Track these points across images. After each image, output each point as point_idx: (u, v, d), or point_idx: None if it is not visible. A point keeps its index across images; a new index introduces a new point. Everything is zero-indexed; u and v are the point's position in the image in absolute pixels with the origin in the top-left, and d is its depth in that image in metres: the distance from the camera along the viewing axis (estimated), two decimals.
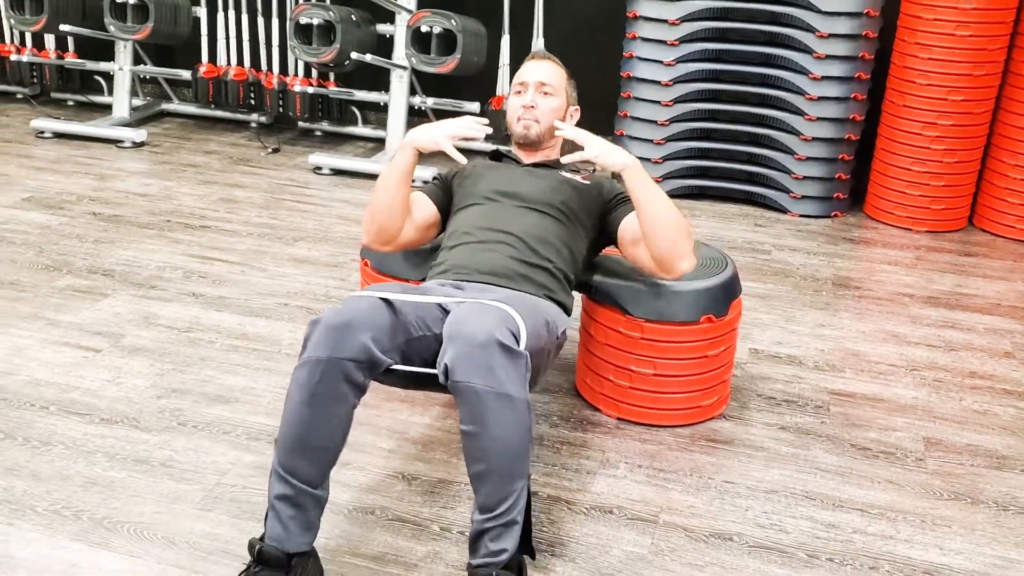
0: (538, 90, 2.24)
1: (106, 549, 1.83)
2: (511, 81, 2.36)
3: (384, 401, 2.40)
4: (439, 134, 2.07)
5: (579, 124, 2.27)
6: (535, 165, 2.28)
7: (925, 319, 3.07)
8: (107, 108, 4.89)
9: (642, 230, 2.05)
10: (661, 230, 2.03)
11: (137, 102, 4.90)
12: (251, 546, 1.69)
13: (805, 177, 3.93)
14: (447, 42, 4.06)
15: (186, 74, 4.66)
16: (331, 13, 4.05)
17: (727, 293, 2.33)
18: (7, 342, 2.60)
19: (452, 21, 3.96)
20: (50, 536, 1.85)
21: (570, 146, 2.18)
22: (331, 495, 1.98)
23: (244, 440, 2.20)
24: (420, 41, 4.12)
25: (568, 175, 2.24)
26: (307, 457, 1.70)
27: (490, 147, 3.08)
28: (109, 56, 4.79)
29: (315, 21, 4.06)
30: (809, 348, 2.83)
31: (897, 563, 1.92)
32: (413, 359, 1.84)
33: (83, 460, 2.10)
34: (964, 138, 3.77)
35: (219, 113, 4.91)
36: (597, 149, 2.02)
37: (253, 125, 4.88)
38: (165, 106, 4.99)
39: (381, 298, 1.80)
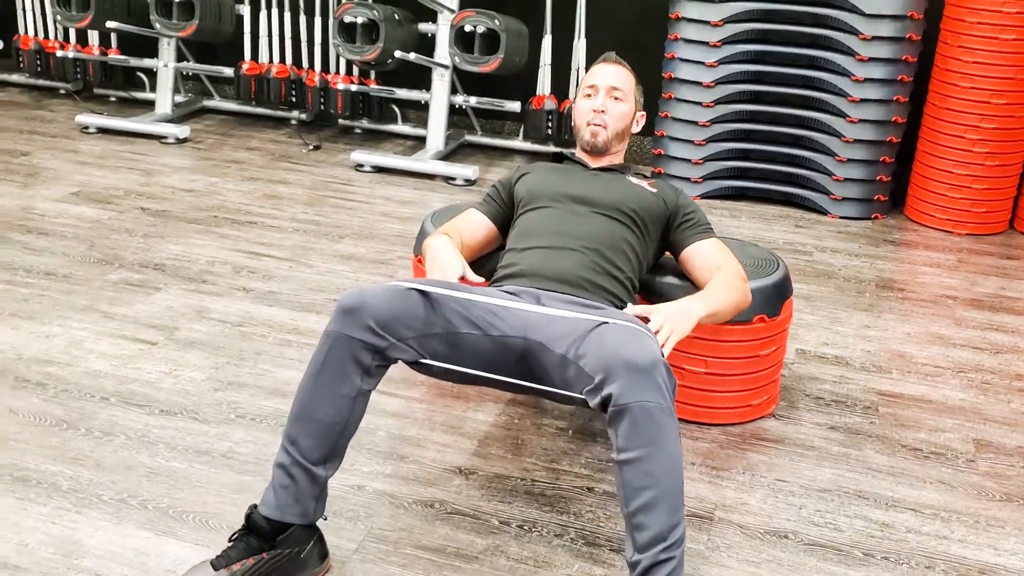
0: (609, 94, 2.22)
1: (173, 538, 1.86)
2: (577, 83, 2.37)
3: (437, 397, 2.43)
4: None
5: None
6: (601, 169, 2.27)
7: (970, 321, 3.07)
8: (149, 104, 4.96)
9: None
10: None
11: (179, 99, 4.96)
12: (247, 510, 1.75)
13: (846, 179, 3.93)
14: (490, 42, 4.09)
15: (228, 71, 4.72)
16: (375, 12, 4.09)
17: (779, 293, 2.34)
18: (64, 334, 2.65)
19: (495, 21, 3.99)
20: (117, 524, 1.90)
21: (649, 155, 2.19)
22: (392, 489, 2.04)
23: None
24: (463, 40, 4.15)
25: (636, 180, 2.24)
26: (307, 429, 1.73)
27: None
28: (152, 53, 4.85)
29: (359, 20, 4.10)
30: (855, 349, 2.84)
31: (952, 563, 1.93)
32: (445, 354, 1.83)
33: (146, 450, 2.14)
34: (1006, 141, 3.76)
35: (260, 110, 4.96)
36: (663, 319, 1.89)
37: (293, 122, 4.94)
38: (206, 103, 5.05)
39: (413, 288, 1.81)
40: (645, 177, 2.30)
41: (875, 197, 3.98)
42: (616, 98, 2.24)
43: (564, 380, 1.78)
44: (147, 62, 4.81)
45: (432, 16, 4.39)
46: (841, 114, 3.85)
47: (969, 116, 3.74)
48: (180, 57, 4.85)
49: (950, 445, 2.36)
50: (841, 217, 3.99)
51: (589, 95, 2.26)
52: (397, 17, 4.20)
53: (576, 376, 1.73)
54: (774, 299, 2.32)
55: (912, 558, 1.94)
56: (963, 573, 1.90)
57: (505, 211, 2.28)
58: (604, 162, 2.29)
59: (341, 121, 4.86)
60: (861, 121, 3.83)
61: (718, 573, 1.86)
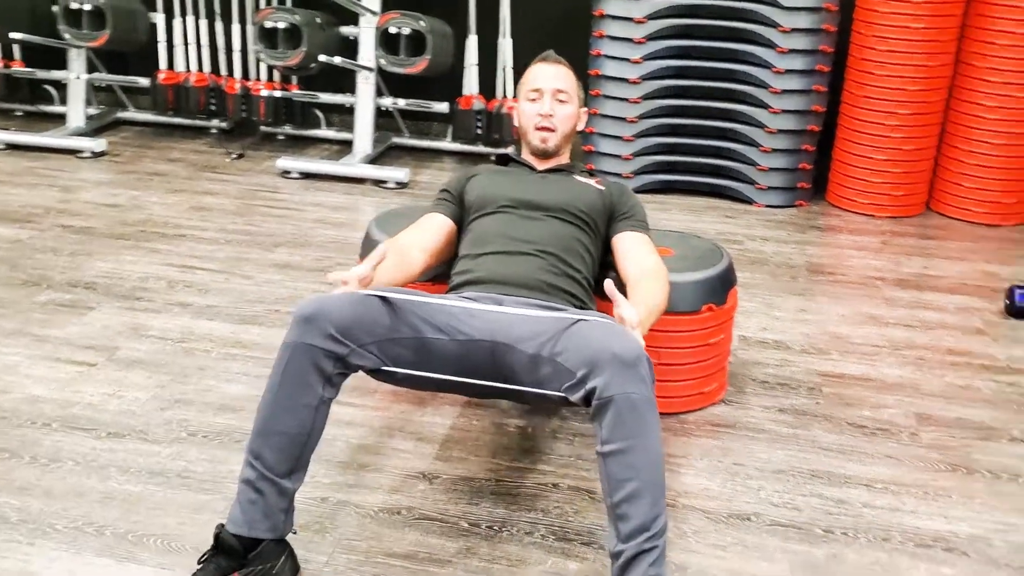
0: (554, 97, 2.22)
1: (135, 563, 1.81)
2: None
3: (393, 403, 2.41)
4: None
5: None
6: (549, 171, 2.28)
7: (899, 301, 3.19)
8: (60, 118, 4.78)
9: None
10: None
11: (91, 111, 4.79)
12: (215, 530, 1.71)
13: (770, 169, 4.03)
14: (416, 43, 4.07)
15: (144, 81, 4.58)
16: (296, 16, 4.02)
17: (725, 282, 2.39)
18: None
19: (421, 22, 3.97)
20: (75, 554, 1.83)
21: (579, 152, 2.18)
22: (357, 499, 2.02)
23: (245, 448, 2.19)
24: (388, 42, 4.12)
25: (583, 179, 2.26)
26: (272, 442, 1.70)
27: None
28: (58, 64, 4.67)
29: (280, 25, 4.03)
30: (794, 333, 2.92)
31: (907, 533, 2.00)
32: (411, 359, 1.81)
33: (96, 475, 2.07)
34: (921, 126, 3.91)
35: (178, 120, 4.83)
36: (636, 322, 1.78)
37: (213, 131, 4.82)
38: (121, 114, 4.89)
39: (372, 295, 1.79)
40: (592, 175, 2.32)
41: (798, 185, 4.10)
42: (561, 100, 2.25)
43: (536, 379, 1.79)
44: (56, 74, 4.63)
45: (354, 19, 4.34)
46: (764, 105, 3.95)
47: (885, 103, 3.88)
48: (91, 68, 4.69)
49: (893, 421, 2.44)
50: (767, 206, 4.09)
51: (534, 99, 2.25)
52: (318, 21, 4.15)
53: (552, 374, 1.74)
54: (720, 289, 2.37)
55: (869, 531, 2.00)
56: (918, 542, 1.97)
57: (461, 212, 2.27)
58: (551, 163, 2.30)
59: (263, 128, 4.77)
60: (783, 112, 3.93)
61: (687, 559, 1.89)
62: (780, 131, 3.96)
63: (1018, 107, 3.81)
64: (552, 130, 2.24)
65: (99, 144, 4.34)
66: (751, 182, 4.08)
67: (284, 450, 1.71)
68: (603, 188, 2.24)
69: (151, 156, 4.44)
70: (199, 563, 1.70)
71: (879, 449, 2.31)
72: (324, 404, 1.75)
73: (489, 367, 1.84)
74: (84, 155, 4.37)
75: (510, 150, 4.55)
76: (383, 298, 1.81)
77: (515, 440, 2.28)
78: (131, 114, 4.89)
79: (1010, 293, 3.07)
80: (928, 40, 3.77)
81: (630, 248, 2.16)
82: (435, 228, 2.23)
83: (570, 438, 2.30)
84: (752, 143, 4.02)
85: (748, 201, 4.11)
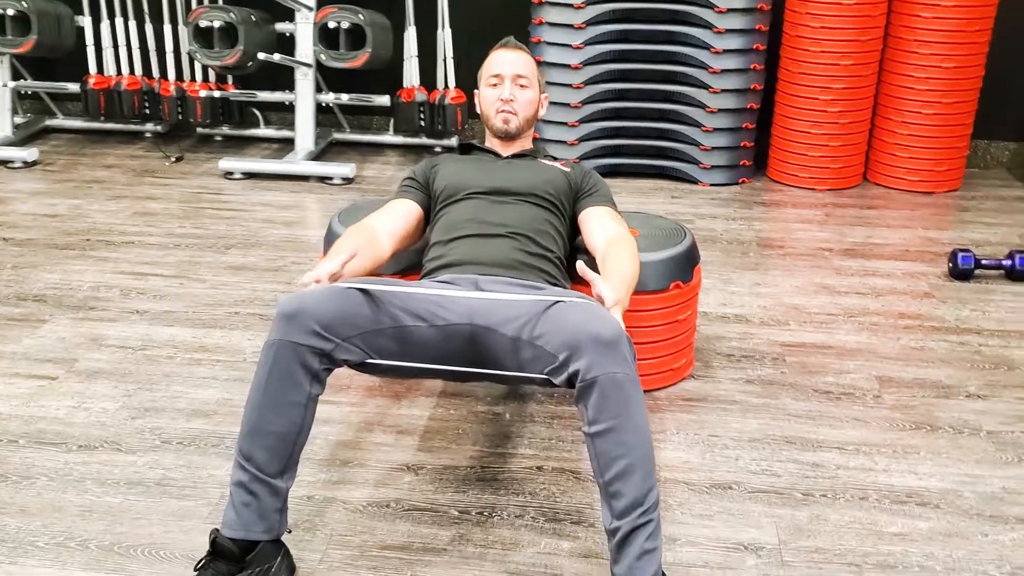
0: (514, 82, 2.24)
1: (125, 574, 1.77)
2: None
3: (368, 399, 2.40)
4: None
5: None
6: (514, 156, 2.29)
7: (848, 270, 3.28)
8: None
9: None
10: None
11: (17, 119, 4.63)
12: (211, 535, 1.69)
13: (713, 148, 4.10)
14: (355, 37, 4.03)
15: (73, 87, 4.44)
16: (231, 15, 3.95)
17: (690, 260, 2.43)
18: None
19: (360, 16, 3.93)
20: (61, 570, 1.78)
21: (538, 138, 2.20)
22: (344, 495, 2.01)
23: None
24: (327, 37, 4.07)
25: (548, 162, 2.27)
26: (263, 443, 1.69)
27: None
28: None
29: (216, 24, 3.95)
30: (752, 306, 2.98)
31: (882, 491, 2.07)
32: (393, 350, 1.81)
33: (72, 489, 2.02)
34: (855, 99, 4.02)
35: (110, 125, 4.69)
36: (614, 301, 1.80)
37: (148, 135, 4.71)
38: (49, 122, 4.74)
39: (352, 288, 1.79)
40: (556, 159, 2.34)
41: (741, 163, 4.18)
42: (522, 85, 2.27)
43: (517, 362, 1.80)
44: None
45: (289, 15, 4.28)
46: (704, 86, 4.01)
47: (820, 78, 3.98)
48: (15, 75, 4.54)
49: (856, 384, 2.52)
50: (712, 184, 4.16)
51: (495, 84, 2.27)
52: (254, 18, 4.08)
53: (533, 357, 1.75)
54: (686, 266, 2.41)
55: (846, 492, 2.07)
56: (893, 499, 2.04)
57: (428, 198, 2.26)
58: (515, 148, 2.31)
59: (200, 130, 4.67)
60: (723, 91, 4.00)
61: (676, 530, 1.93)
62: (721, 110, 4.03)
63: (945, 77, 3.94)
64: (514, 114, 2.26)
65: (31, 153, 4.20)
66: (695, 162, 4.14)
67: (275, 450, 1.70)
68: (568, 169, 2.27)
69: (86, 163, 4.32)
70: (196, 570, 1.67)
71: (846, 413, 2.38)
72: (312, 401, 1.73)
73: (470, 351, 1.84)
74: (15, 165, 4.22)
75: (454, 141, 4.54)
76: (363, 290, 1.80)
77: (494, 427, 2.29)
78: (60, 121, 4.74)
79: (953, 256, 3.19)
80: (858, 16, 3.88)
81: (596, 220, 2.18)
82: (402, 213, 2.21)
83: (548, 421, 2.32)
84: (694, 123, 4.08)
85: (693, 181, 4.18)
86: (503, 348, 1.82)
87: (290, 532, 1.79)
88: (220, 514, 1.93)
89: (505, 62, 2.27)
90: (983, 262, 3.18)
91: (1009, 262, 3.17)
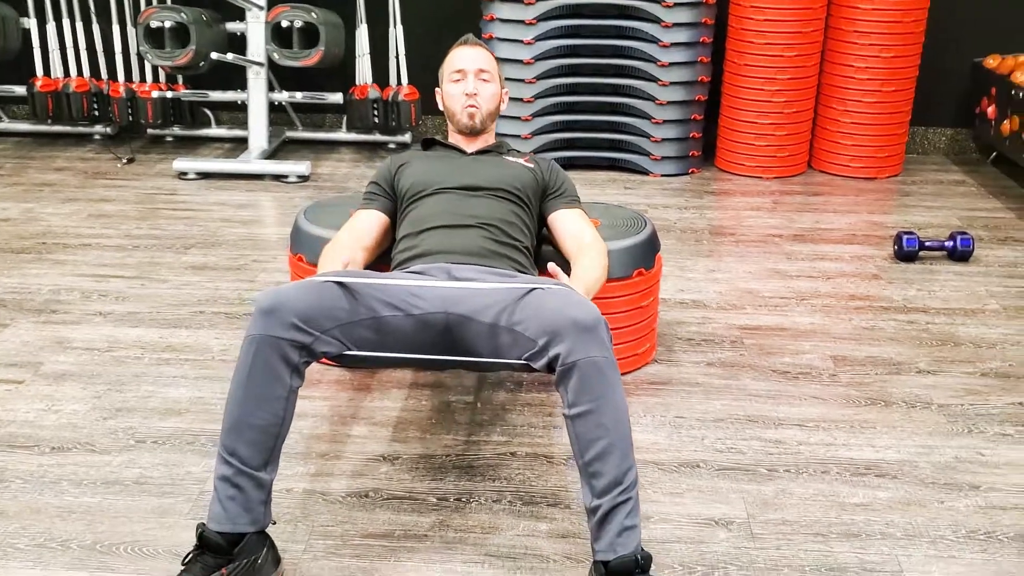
0: (477, 77, 2.29)
1: (110, 572, 1.78)
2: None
3: (340, 392, 2.43)
4: None
5: None
6: (479, 152, 2.33)
7: (798, 254, 3.39)
8: None
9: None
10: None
11: None
12: (197, 530, 1.71)
13: (663, 139, 4.19)
14: (308, 36, 4.04)
15: (19, 90, 4.37)
16: (183, 14, 3.93)
17: (651, 247, 2.51)
18: None
19: (312, 14, 3.94)
20: (43, 570, 1.79)
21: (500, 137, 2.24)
22: (322, 486, 2.04)
23: (211, 447, 2.18)
24: (280, 36, 4.07)
25: (512, 159, 2.32)
26: (246, 437, 1.72)
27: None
28: None
29: (167, 24, 3.93)
30: (708, 292, 3.07)
31: (842, 464, 2.16)
32: (371, 340, 1.85)
33: (48, 491, 2.02)
34: (799, 90, 4.14)
35: (57, 128, 4.63)
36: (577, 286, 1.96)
37: (97, 137, 4.65)
38: None
39: (331, 281, 1.83)
40: (520, 154, 2.39)
41: (690, 153, 4.27)
42: (484, 79, 2.31)
43: (494, 348, 1.85)
44: None
45: (239, 14, 4.26)
46: (653, 79, 4.10)
47: (765, 69, 4.09)
48: None
49: (812, 364, 2.62)
50: (662, 175, 4.25)
51: (458, 80, 2.31)
52: (205, 18, 4.06)
53: (512, 343, 1.80)
54: (648, 253, 2.48)
55: (808, 467, 2.15)
56: (853, 471, 2.14)
57: (392, 203, 2.30)
58: (479, 144, 2.36)
59: (150, 131, 4.63)
60: (671, 84, 4.09)
61: (648, 508, 2.00)
62: (670, 103, 4.12)
63: (884, 67, 4.08)
64: (477, 108, 2.31)
65: None
66: (646, 154, 4.23)
67: (258, 443, 1.72)
68: (532, 166, 2.32)
69: (35, 167, 4.26)
70: (183, 564, 1.69)
71: (804, 391, 2.48)
72: (293, 393, 1.76)
73: (446, 339, 1.88)
74: None
75: (407, 137, 4.57)
76: (339, 283, 1.83)
77: (466, 416, 2.34)
78: (5, 125, 4.66)
79: (898, 239, 3.31)
80: (800, 8, 3.99)
81: (567, 225, 2.26)
82: (371, 226, 2.26)
83: (520, 408, 2.37)
84: (645, 116, 4.17)
85: (645, 172, 4.26)
86: (479, 335, 1.86)
87: (274, 524, 1.82)
88: (200, 510, 1.95)
89: (467, 58, 2.31)
90: (927, 244, 3.31)
91: (951, 243, 3.30)
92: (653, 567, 1.71)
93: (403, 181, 2.27)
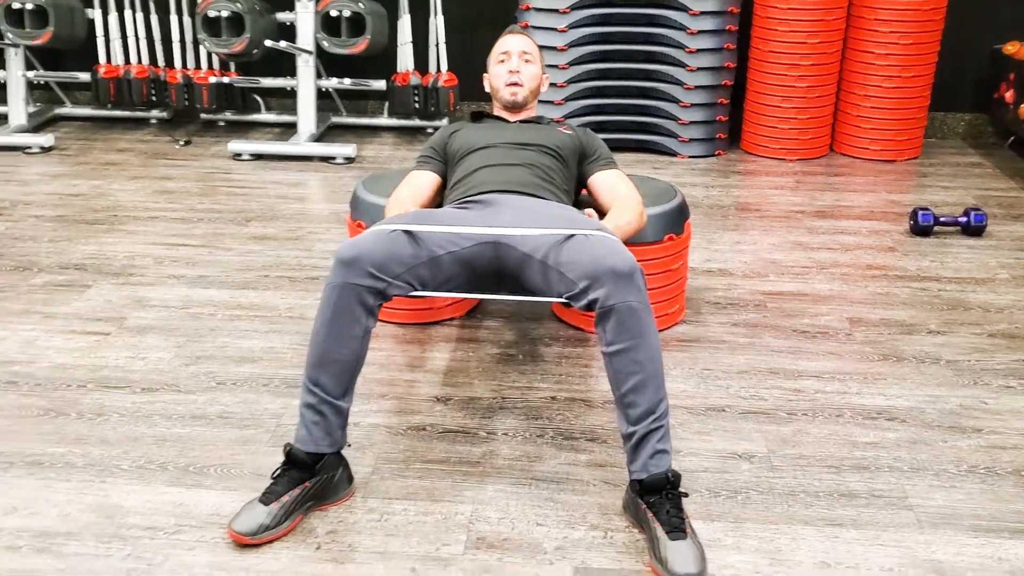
0: (521, 58, 2.54)
1: (203, 488, 2.03)
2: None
3: (395, 344, 2.67)
4: None
5: None
6: (522, 122, 2.57)
7: (819, 229, 3.59)
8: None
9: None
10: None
11: (29, 109, 4.83)
12: (284, 449, 1.96)
13: (691, 122, 4.40)
14: (355, 25, 4.29)
15: (83, 76, 4.65)
16: (239, 5, 4.19)
17: (681, 215, 2.72)
18: (13, 336, 2.69)
19: (360, 4, 4.19)
20: (146, 485, 2.04)
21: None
22: (385, 421, 2.28)
23: (285, 388, 2.43)
24: (328, 25, 4.32)
25: (552, 127, 2.56)
26: (328, 370, 1.96)
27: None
28: None
29: (223, 13, 4.19)
30: (734, 261, 3.28)
31: (855, 410, 2.37)
32: (432, 278, 2.08)
33: (143, 423, 2.27)
34: (822, 75, 4.33)
35: (117, 113, 4.92)
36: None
37: (153, 121, 4.93)
38: (59, 110, 4.95)
39: (399, 229, 2.06)
40: (559, 123, 2.62)
41: (717, 136, 4.48)
42: (527, 60, 2.56)
43: (544, 283, 2.08)
44: None
45: (290, 5, 4.52)
46: (681, 64, 4.30)
47: (789, 56, 4.28)
48: (28, 66, 4.74)
49: (830, 325, 2.82)
50: (690, 156, 4.46)
51: (503, 60, 2.56)
52: (258, 8, 4.32)
53: (557, 280, 2.03)
54: (678, 220, 2.70)
55: (824, 411, 2.37)
56: (865, 416, 2.35)
57: (444, 165, 2.54)
58: (522, 116, 2.60)
59: (204, 115, 4.90)
60: (699, 69, 4.30)
61: (679, 444, 2.22)
62: (697, 87, 4.33)
63: (904, 53, 4.27)
64: (520, 85, 2.55)
65: (47, 139, 4.42)
66: (674, 136, 4.44)
67: (339, 376, 1.96)
68: (571, 132, 2.56)
69: (99, 148, 4.54)
70: (272, 477, 1.94)
71: (821, 348, 2.69)
72: (367, 333, 2.00)
73: (496, 268, 2.13)
74: (32, 151, 4.44)
75: (445, 121, 4.80)
76: (407, 232, 2.07)
77: (510, 366, 2.57)
78: (69, 109, 4.96)
79: (914, 214, 3.50)
80: None
81: (605, 185, 2.49)
82: (426, 184, 2.51)
83: (558, 360, 2.60)
84: (673, 100, 4.38)
85: (672, 153, 4.47)
86: (532, 270, 2.09)
87: (349, 446, 2.06)
88: (278, 440, 2.20)
89: (512, 42, 2.57)
90: (941, 219, 3.50)
91: (965, 219, 3.49)
92: (682, 487, 1.94)
93: (454, 144, 2.52)
